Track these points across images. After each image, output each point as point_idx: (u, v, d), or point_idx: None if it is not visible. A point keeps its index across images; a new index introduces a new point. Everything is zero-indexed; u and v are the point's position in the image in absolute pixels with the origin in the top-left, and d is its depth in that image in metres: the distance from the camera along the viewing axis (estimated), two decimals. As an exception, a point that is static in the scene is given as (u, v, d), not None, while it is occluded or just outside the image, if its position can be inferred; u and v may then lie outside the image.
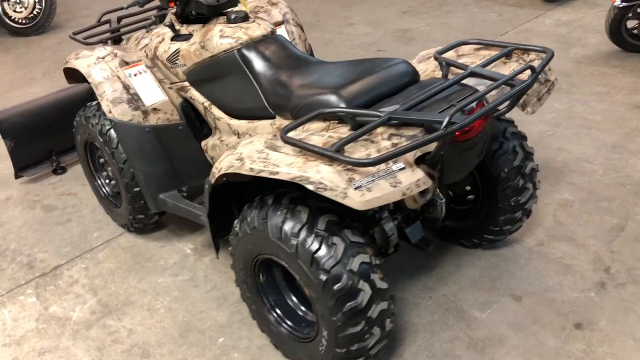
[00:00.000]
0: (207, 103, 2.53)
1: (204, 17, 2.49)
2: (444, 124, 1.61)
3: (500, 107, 1.98)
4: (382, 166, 1.64)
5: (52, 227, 3.13)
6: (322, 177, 1.60)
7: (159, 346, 2.31)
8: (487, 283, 2.45)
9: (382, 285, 1.81)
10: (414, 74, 2.06)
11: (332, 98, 1.92)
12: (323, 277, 1.75)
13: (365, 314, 1.78)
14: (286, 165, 1.68)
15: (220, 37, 2.33)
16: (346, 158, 1.57)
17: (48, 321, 2.49)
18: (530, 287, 2.41)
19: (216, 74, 2.42)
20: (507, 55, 2.13)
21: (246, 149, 1.83)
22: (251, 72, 2.30)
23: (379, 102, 1.94)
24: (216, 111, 2.51)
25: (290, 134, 1.78)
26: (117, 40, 2.97)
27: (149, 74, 2.64)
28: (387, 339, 1.94)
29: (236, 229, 2.03)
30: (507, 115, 2.28)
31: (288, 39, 2.85)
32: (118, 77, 2.56)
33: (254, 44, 2.33)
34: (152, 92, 2.59)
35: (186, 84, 2.57)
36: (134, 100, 2.53)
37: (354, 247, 1.78)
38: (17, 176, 3.46)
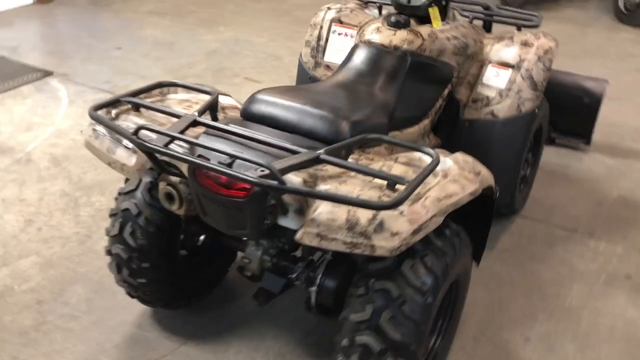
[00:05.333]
0: None
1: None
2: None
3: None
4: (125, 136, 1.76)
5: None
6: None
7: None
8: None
9: (132, 243, 2.02)
10: (319, 132, 1.82)
11: (260, 97, 1.94)
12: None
13: (110, 253, 2.10)
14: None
15: (364, 27, 2.42)
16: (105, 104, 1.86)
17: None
18: None
19: None
20: None
21: None
22: (344, 64, 2.32)
23: (276, 127, 1.87)
24: None
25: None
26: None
27: (353, 40, 2.63)
28: (144, 297, 2.18)
29: None
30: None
31: (503, 85, 2.58)
32: (321, 26, 2.81)
33: (368, 45, 2.32)
34: (338, 53, 2.73)
35: None
36: (317, 50, 2.80)
37: (138, 206, 2.00)
38: None
